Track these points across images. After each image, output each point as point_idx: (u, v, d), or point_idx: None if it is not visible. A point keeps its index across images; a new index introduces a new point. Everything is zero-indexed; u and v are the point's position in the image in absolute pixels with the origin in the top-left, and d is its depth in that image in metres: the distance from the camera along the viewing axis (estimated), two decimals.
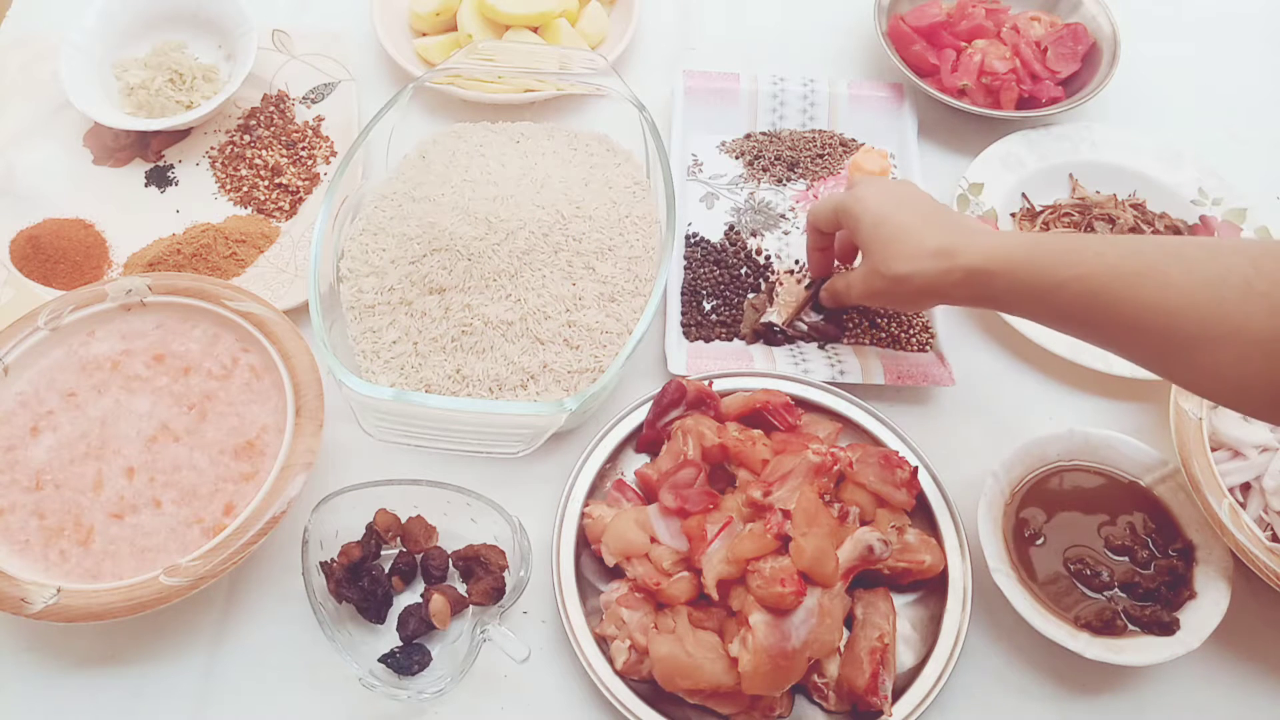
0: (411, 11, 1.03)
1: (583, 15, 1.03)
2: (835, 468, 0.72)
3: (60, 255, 0.87)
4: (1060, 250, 0.65)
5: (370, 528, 0.74)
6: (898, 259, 0.71)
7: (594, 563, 0.74)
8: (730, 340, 0.87)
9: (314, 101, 0.99)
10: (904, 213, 0.73)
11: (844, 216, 0.77)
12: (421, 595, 0.73)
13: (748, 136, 1.00)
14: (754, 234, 0.94)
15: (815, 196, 0.96)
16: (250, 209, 0.93)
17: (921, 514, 0.76)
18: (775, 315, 0.87)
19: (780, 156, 0.98)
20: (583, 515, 0.75)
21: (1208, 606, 0.70)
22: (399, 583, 0.73)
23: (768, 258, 0.92)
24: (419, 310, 0.79)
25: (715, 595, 0.67)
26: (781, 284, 0.89)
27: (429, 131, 0.93)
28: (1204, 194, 0.95)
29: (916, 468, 0.75)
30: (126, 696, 0.70)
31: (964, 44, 1.03)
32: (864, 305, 0.83)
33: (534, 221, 0.79)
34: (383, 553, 0.75)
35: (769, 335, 0.87)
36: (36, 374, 0.78)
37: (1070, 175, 0.97)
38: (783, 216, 0.95)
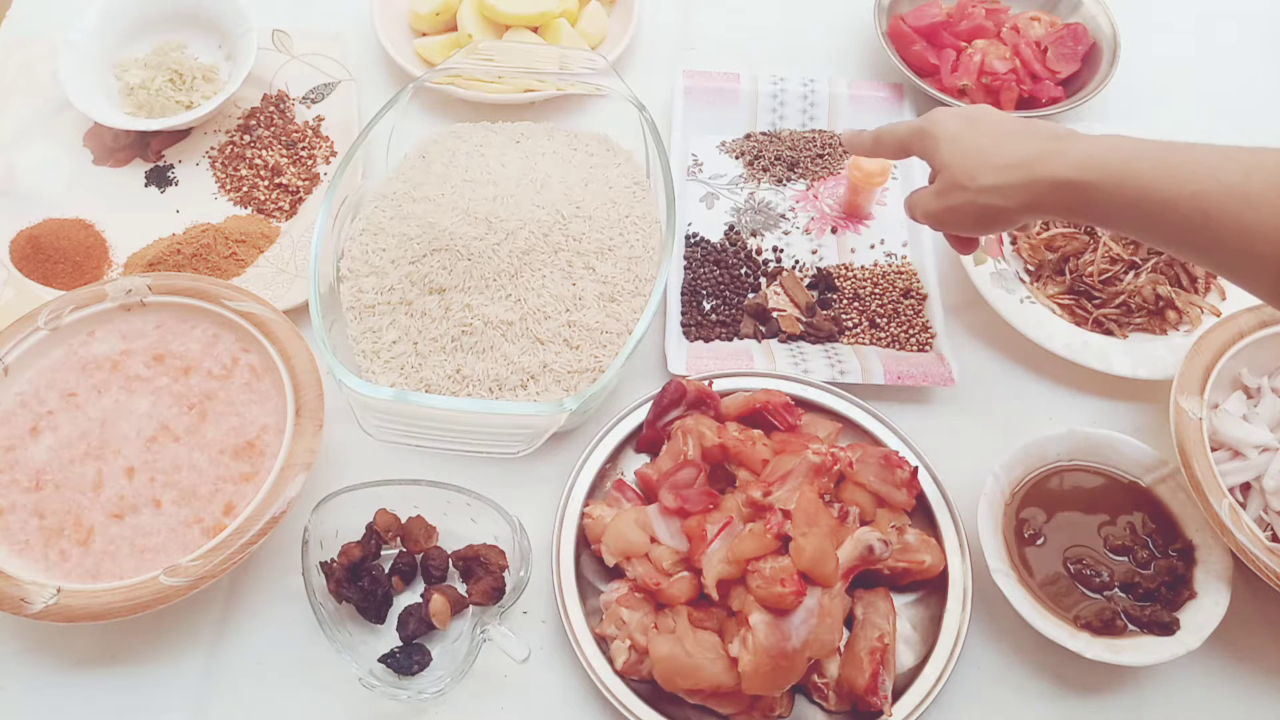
0: (411, 11, 1.03)
1: (583, 15, 1.03)
2: (835, 468, 0.72)
3: (60, 255, 0.87)
4: (1171, 163, 0.59)
5: (370, 528, 0.74)
6: (983, 170, 0.67)
7: (594, 563, 0.74)
8: (730, 340, 0.87)
9: (314, 101, 0.99)
10: (984, 127, 0.69)
11: (917, 138, 0.73)
12: (421, 595, 0.73)
13: (748, 136, 1.00)
14: (754, 234, 0.94)
15: (815, 197, 0.96)
16: (250, 209, 0.93)
17: (921, 514, 0.76)
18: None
19: (780, 156, 0.98)
20: (583, 515, 0.75)
21: (1208, 606, 0.70)
22: (399, 583, 0.73)
23: (767, 260, 0.92)
24: (419, 310, 0.79)
25: (715, 595, 0.67)
26: (784, 286, 0.90)
27: (429, 131, 0.93)
28: None
29: (916, 468, 0.75)
30: (126, 696, 0.70)
31: (964, 44, 1.03)
32: (931, 225, 0.75)
33: (534, 221, 0.79)
34: (383, 553, 0.75)
35: (761, 314, 0.87)
36: (36, 374, 0.78)
37: None
38: (783, 216, 0.95)
